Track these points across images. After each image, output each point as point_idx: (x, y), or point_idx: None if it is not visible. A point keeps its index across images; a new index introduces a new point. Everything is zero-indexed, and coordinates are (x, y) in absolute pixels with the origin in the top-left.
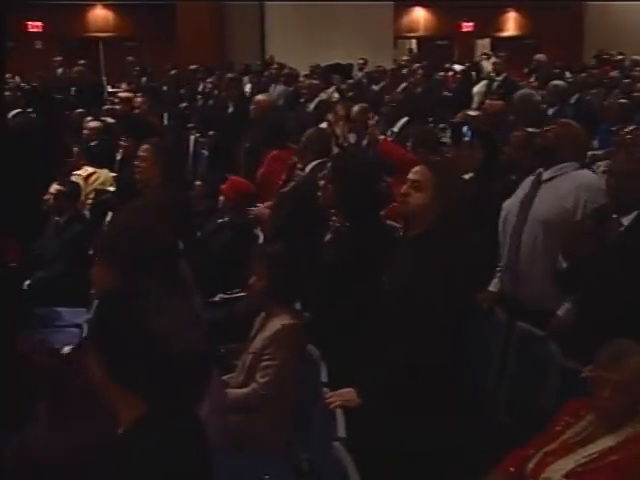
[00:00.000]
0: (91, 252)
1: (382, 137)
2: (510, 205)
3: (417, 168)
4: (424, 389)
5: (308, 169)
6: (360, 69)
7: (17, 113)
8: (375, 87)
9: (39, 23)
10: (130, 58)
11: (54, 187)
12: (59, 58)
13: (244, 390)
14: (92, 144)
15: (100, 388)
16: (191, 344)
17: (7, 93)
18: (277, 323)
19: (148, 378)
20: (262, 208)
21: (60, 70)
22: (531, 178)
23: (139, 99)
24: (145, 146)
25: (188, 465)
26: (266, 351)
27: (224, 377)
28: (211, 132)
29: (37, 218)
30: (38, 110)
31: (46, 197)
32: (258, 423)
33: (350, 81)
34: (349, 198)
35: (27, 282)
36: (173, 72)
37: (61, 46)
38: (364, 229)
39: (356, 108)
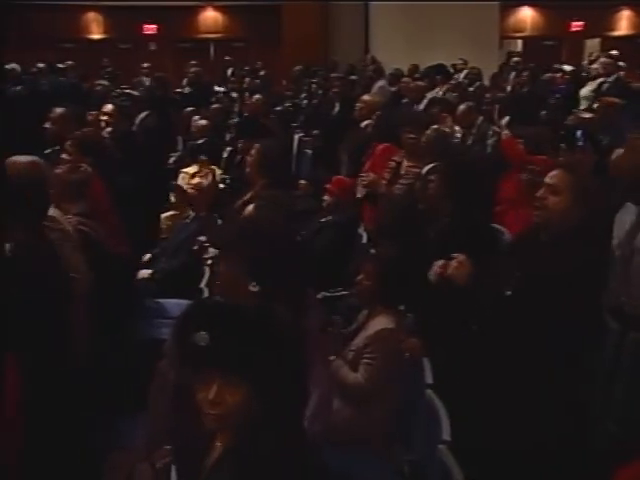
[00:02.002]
0: (196, 248)
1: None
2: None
3: (554, 172)
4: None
5: (425, 170)
6: (460, 70)
7: (146, 115)
8: (471, 89)
9: (154, 26)
10: (228, 58)
11: (195, 180)
12: (147, 64)
13: (351, 376)
14: (199, 142)
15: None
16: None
17: (137, 93)
18: (379, 323)
19: (286, 382)
20: (376, 177)
21: (147, 79)
22: None
23: (255, 98)
24: (255, 146)
25: (307, 460)
26: (367, 349)
27: None
28: (315, 131)
29: (153, 214)
30: (158, 111)
31: (188, 189)
32: (361, 421)
33: (452, 82)
34: (459, 197)
35: (149, 274)
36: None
37: (173, 47)
38: (471, 228)
39: (462, 107)
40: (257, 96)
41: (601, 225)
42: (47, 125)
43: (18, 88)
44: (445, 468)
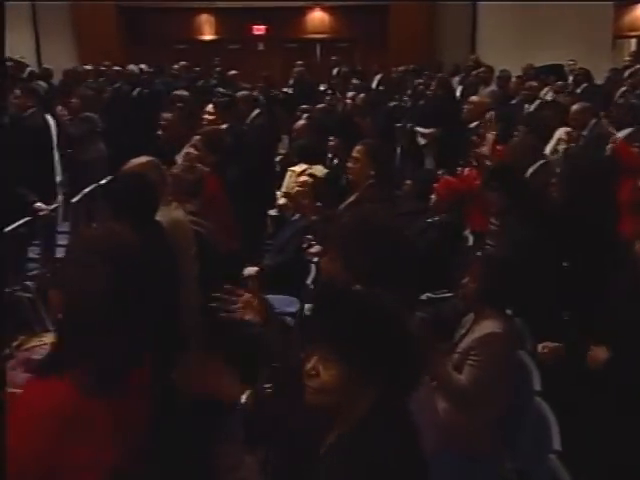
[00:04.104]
0: (304, 245)
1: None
2: None
3: None
4: None
5: (530, 172)
6: (570, 71)
7: (257, 114)
8: (578, 90)
9: (263, 26)
10: (334, 58)
11: (302, 178)
12: (233, 71)
13: (455, 378)
14: (302, 141)
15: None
16: (417, 336)
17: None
18: (487, 327)
19: (388, 367)
20: None
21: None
22: None
23: (353, 97)
24: (359, 147)
25: (417, 450)
26: (472, 353)
27: None
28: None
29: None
30: (266, 110)
31: (299, 188)
32: (465, 425)
33: (559, 83)
34: (578, 200)
35: (256, 270)
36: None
37: (281, 48)
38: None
39: (576, 107)
40: (361, 95)
41: None
42: (163, 124)
43: (138, 89)
44: (555, 478)
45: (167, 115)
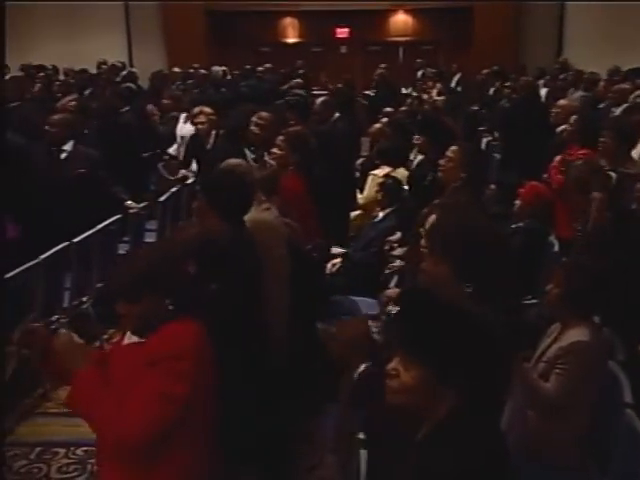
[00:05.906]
0: (386, 247)
1: None
2: None
3: None
4: None
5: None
6: None
7: (339, 117)
8: None
9: (346, 29)
10: (419, 60)
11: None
12: (304, 71)
13: (541, 385)
14: (384, 144)
15: (407, 386)
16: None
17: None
18: (573, 335)
19: (473, 374)
20: None
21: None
22: None
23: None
24: (454, 147)
25: (499, 457)
26: (559, 361)
27: None
28: (498, 134)
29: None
30: (345, 113)
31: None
32: (551, 434)
33: None
34: None
35: (337, 269)
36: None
37: (364, 50)
38: None
39: None
40: (439, 97)
41: None
42: (253, 128)
43: (222, 91)
44: None
45: (264, 114)
